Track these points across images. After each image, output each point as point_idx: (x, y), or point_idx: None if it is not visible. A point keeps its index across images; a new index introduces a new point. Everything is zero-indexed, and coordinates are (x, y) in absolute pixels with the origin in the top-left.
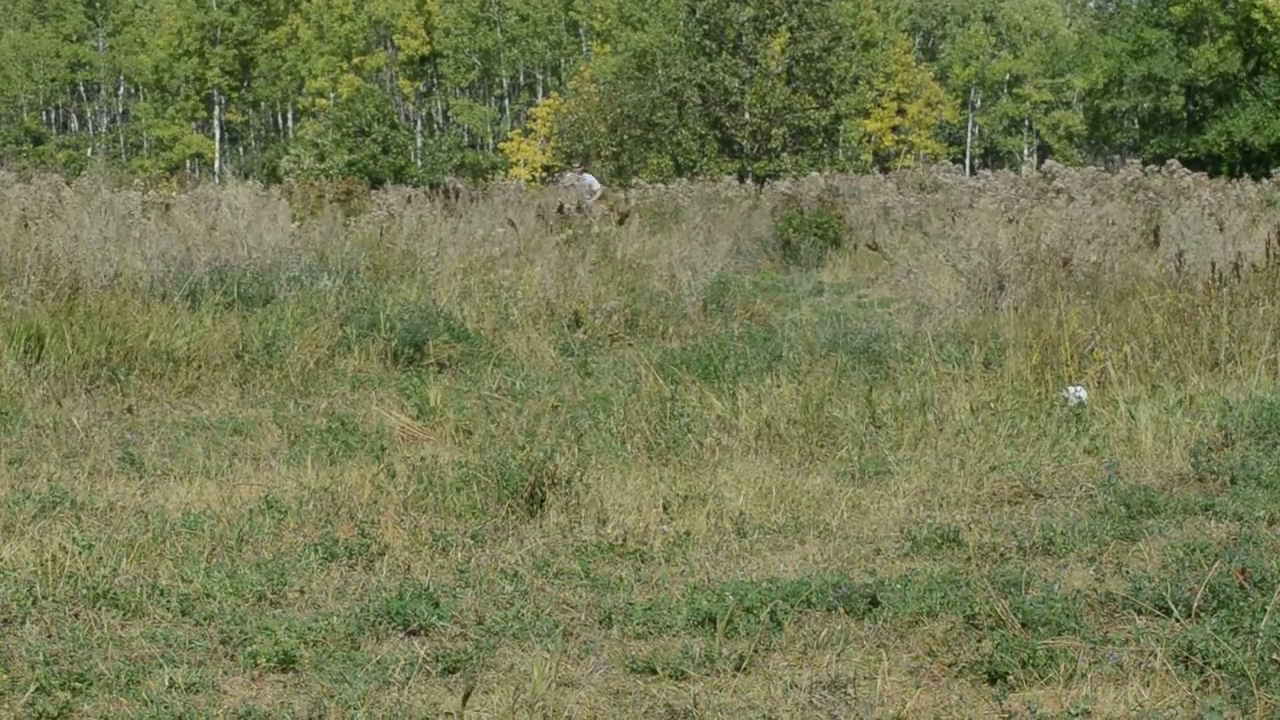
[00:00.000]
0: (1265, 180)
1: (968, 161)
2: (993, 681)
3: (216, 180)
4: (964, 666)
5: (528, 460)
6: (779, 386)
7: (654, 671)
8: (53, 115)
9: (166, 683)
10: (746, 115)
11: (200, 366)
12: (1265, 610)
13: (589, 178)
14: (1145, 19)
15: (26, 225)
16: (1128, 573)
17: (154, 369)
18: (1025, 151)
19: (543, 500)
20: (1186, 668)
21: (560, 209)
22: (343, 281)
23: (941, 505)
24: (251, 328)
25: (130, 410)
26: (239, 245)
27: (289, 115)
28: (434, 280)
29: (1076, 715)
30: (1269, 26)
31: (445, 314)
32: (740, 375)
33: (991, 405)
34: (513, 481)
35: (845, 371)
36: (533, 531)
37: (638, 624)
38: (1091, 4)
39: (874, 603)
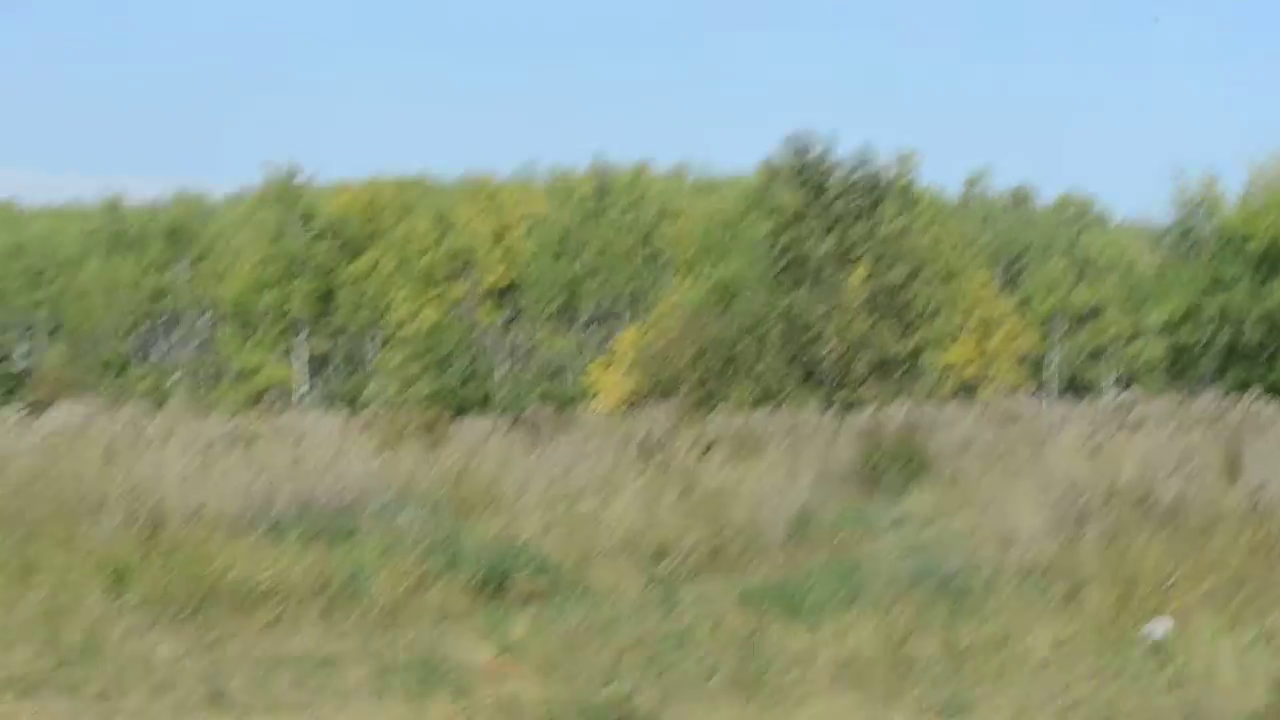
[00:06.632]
0: None
1: (1049, 391)
2: None
3: (300, 407)
4: None
5: (611, 697)
6: (861, 622)
7: None
8: (135, 344)
9: None
10: (829, 346)
11: (284, 601)
12: None
13: None
14: (1221, 254)
15: (111, 457)
16: None
17: (237, 602)
18: (1108, 380)
19: None
20: None
21: (645, 443)
22: (427, 514)
23: None
24: (335, 562)
25: (214, 645)
26: (323, 478)
27: (372, 343)
28: (517, 513)
29: None
30: None
31: (529, 547)
32: (822, 610)
33: (1072, 640)
34: None
35: (927, 606)
36: None
37: None
38: (1167, 240)
39: None
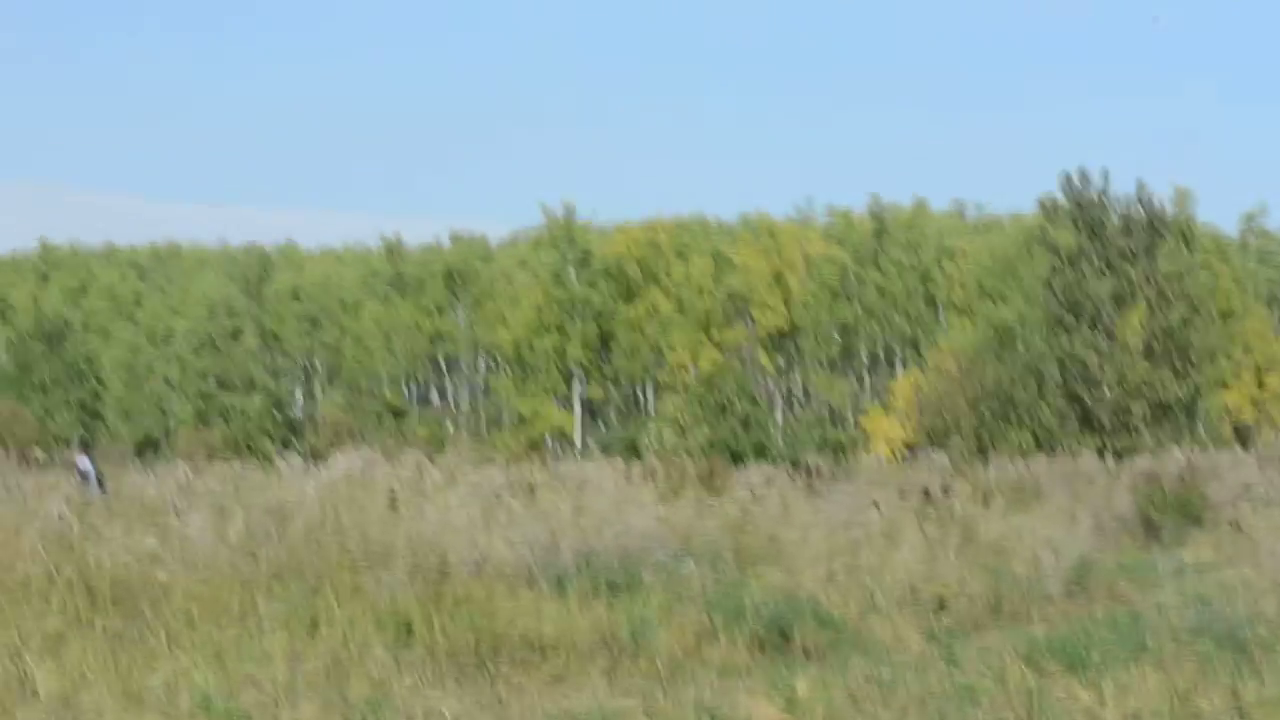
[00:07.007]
0: None
1: None
2: None
3: (577, 455)
4: None
5: None
6: (1144, 677)
7: None
8: (413, 389)
9: None
10: (1106, 390)
11: (568, 655)
12: None
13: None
14: None
15: (394, 506)
16: None
17: (522, 656)
18: None
19: None
20: None
21: (925, 491)
22: (709, 566)
23: None
24: (618, 615)
25: (500, 700)
26: (604, 529)
27: (648, 389)
28: (798, 564)
29: None
30: None
31: (810, 599)
32: (1105, 664)
33: None
34: None
35: (1210, 660)
36: None
37: None
38: None
39: None
